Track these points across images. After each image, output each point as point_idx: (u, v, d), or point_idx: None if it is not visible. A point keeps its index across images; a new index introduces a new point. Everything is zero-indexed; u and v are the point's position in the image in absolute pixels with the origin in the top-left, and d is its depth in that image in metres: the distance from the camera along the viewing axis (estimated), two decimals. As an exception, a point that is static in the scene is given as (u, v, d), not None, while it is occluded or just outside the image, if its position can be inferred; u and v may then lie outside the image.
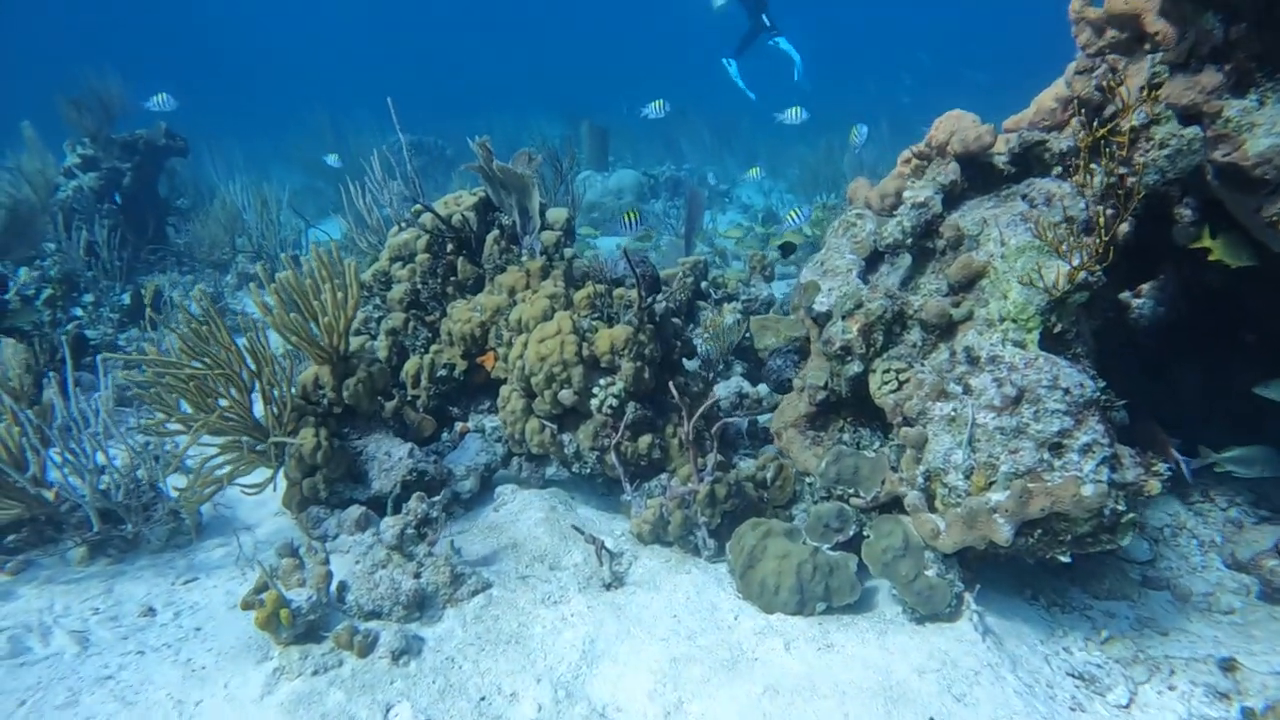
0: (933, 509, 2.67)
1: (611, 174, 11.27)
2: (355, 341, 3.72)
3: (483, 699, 2.30)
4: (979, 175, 3.14)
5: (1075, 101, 2.98)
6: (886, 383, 2.89)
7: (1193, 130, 2.63)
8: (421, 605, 2.66)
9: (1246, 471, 2.94)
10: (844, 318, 3.00)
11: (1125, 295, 3.37)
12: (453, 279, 3.76)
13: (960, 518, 2.53)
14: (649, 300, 3.27)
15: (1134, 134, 2.69)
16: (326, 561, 2.66)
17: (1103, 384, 2.58)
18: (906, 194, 3.11)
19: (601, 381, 3.16)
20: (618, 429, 3.14)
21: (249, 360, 3.09)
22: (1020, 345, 2.65)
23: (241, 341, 3.12)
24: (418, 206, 3.94)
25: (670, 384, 3.08)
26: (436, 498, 3.11)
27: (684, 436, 3.04)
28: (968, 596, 2.70)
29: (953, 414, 2.64)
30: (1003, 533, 2.44)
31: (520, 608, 2.70)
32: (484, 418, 3.59)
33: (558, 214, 3.83)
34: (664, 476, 3.25)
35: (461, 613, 2.66)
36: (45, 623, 2.62)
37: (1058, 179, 2.99)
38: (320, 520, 3.11)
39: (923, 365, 2.86)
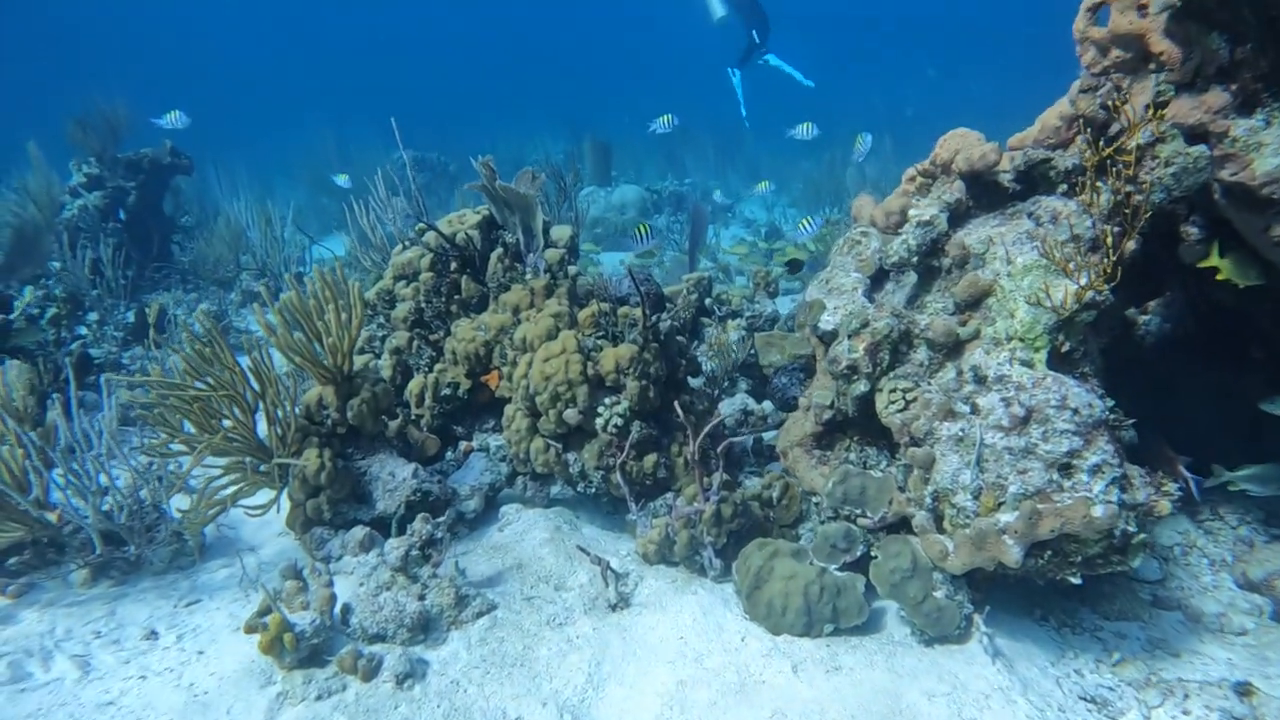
0: (941, 530, 2.65)
1: (614, 189, 11.30)
2: (359, 360, 3.71)
3: (488, 725, 2.28)
4: (984, 193, 3.13)
5: (1080, 120, 2.98)
6: (893, 402, 2.87)
7: (1199, 149, 2.62)
8: (426, 627, 2.64)
9: (1261, 490, 2.91)
10: (850, 337, 2.98)
11: (1131, 312, 3.35)
12: (457, 297, 3.76)
13: (969, 539, 2.51)
14: (654, 319, 3.26)
15: (1139, 152, 2.69)
16: (330, 584, 2.65)
17: (1111, 403, 2.57)
18: (912, 212, 3.11)
19: (606, 400, 3.15)
20: (623, 448, 3.13)
21: (253, 380, 3.08)
22: (1028, 364, 2.64)
23: (245, 361, 3.11)
24: (421, 225, 3.94)
25: (675, 403, 3.07)
26: (441, 518, 3.09)
27: (689, 456, 3.02)
28: (977, 618, 2.67)
29: (960, 434, 2.62)
30: (1012, 554, 2.42)
31: (525, 630, 2.68)
32: (488, 436, 3.58)
33: (561, 231, 3.83)
34: (669, 495, 3.23)
35: (466, 635, 2.64)
36: (46, 647, 2.61)
37: (1063, 197, 2.98)
38: (324, 541, 3.10)
39: (929, 384, 2.84)
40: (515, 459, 3.38)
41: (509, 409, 3.36)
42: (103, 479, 3.02)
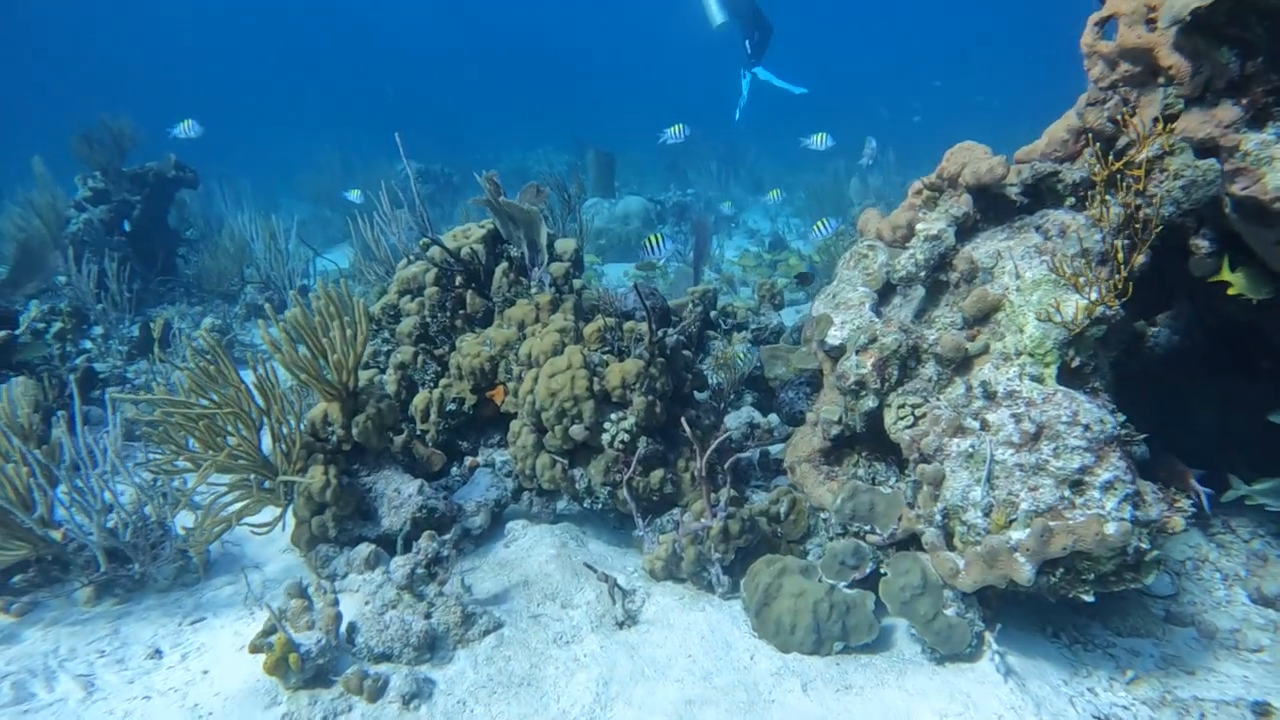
0: (951, 547, 2.63)
1: (618, 201, 11.30)
2: (364, 375, 3.70)
3: (495, 746, 2.26)
4: (991, 206, 3.12)
5: (1088, 134, 2.97)
6: (902, 418, 2.85)
7: (1208, 162, 2.61)
8: (432, 646, 2.61)
9: (1278, 504, 2.88)
10: (858, 352, 2.97)
11: (1141, 324, 3.34)
12: (462, 312, 3.75)
13: (980, 556, 2.48)
14: (660, 333, 3.25)
15: (1148, 165, 2.67)
16: (336, 603, 2.63)
17: (1123, 418, 2.54)
18: (919, 226, 3.09)
19: (613, 416, 3.13)
20: (630, 464, 3.11)
21: (257, 397, 3.07)
22: (1038, 380, 2.62)
23: (249, 377, 3.10)
24: (426, 239, 3.93)
25: (682, 419, 3.05)
26: (447, 535, 3.07)
27: (696, 471, 3.00)
28: (989, 636, 2.65)
29: (970, 450, 2.60)
30: (1024, 572, 2.39)
31: (532, 648, 2.65)
32: (494, 452, 3.56)
33: (566, 245, 3.82)
34: (676, 511, 3.21)
35: (473, 654, 2.62)
36: (50, 666, 2.59)
37: (1071, 210, 2.96)
38: (329, 559, 3.08)
39: (939, 400, 2.82)
40: (521, 474, 3.36)
41: (514, 424, 3.34)
42: (107, 496, 3.00)
